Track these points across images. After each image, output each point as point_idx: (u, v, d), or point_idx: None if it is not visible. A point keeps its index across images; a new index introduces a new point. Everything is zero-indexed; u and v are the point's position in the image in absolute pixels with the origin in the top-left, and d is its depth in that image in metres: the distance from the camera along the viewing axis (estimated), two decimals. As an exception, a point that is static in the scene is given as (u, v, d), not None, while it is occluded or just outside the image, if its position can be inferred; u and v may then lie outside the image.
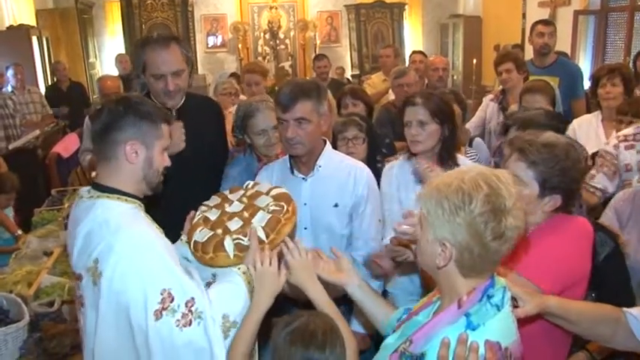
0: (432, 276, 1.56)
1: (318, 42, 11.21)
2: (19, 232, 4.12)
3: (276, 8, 11.11)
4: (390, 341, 1.63)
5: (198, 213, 2.10)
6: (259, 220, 1.94)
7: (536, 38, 4.82)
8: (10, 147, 5.92)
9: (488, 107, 4.62)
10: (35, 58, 8.25)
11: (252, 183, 2.23)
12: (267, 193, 2.11)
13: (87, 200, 1.81)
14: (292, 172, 2.60)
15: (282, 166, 2.65)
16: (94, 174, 4.47)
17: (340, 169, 2.58)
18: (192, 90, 3.06)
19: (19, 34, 8.02)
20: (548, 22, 5.02)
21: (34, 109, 7.15)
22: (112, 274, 1.67)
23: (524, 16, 8.87)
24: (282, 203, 2.02)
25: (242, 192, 2.15)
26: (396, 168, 2.82)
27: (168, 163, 1.92)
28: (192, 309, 1.70)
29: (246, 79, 4.85)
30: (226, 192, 2.18)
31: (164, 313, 1.66)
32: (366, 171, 2.61)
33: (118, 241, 1.70)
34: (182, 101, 2.82)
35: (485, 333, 1.39)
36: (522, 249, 1.88)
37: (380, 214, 2.65)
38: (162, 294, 1.67)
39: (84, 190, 1.87)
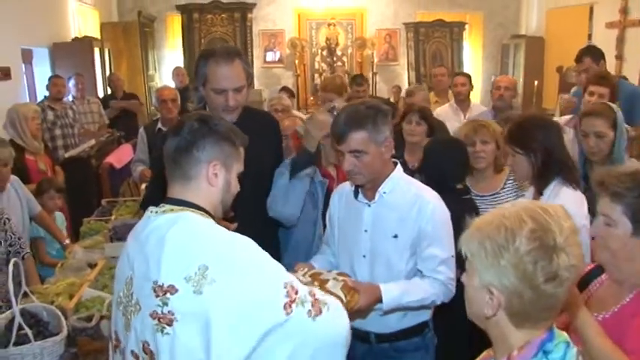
0: (483, 328, 1.38)
1: (375, 60, 11.09)
2: (67, 241, 4.14)
3: (335, 25, 11.06)
4: None
5: None
6: (332, 286, 2.07)
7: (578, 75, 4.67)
8: (66, 155, 6.02)
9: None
10: (96, 69, 8.44)
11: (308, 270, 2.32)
12: (329, 272, 2.26)
13: (164, 214, 1.72)
14: (356, 197, 2.47)
15: (350, 189, 2.52)
16: (143, 186, 4.54)
17: (406, 197, 2.38)
18: (248, 104, 3.01)
19: (82, 45, 8.21)
20: (581, 59, 4.75)
21: (92, 119, 7.30)
22: (229, 279, 1.59)
23: (589, 37, 8.56)
24: (343, 276, 2.20)
25: (303, 271, 2.26)
26: None
27: (238, 188, 1.88)
28: (317, 297, 1.69)
29: (321, 97, 4.98)
30: None
31: (293, 305, 1.63)
32: (432, 203, 2.37)
33: (226, 246, 1.66)
34: (238, 116, 2.74)
35: None
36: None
37: (452, 250, 2.38)
38: (285, 287, 1.65)
39: (153, 207, 1.77)
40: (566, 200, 2.56)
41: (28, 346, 2.36)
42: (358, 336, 2.46)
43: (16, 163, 4.54)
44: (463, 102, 5.66)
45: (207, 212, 1.75)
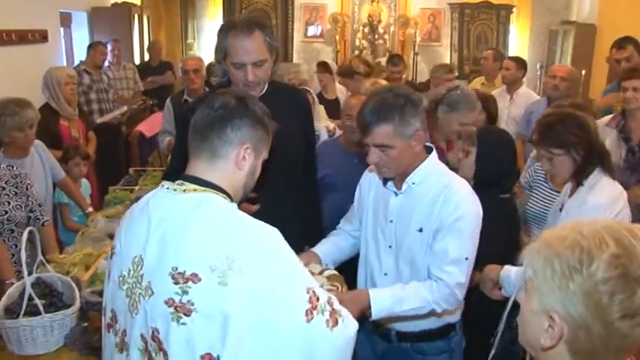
0: (535, 359, 1.19)
1: (417, 40, 10.78)
2: (90, 209, 4.09)
3: (378, 2, 10.78)
4: None
5: None
6: None
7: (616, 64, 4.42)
8: (98, 121, 6.00)
9: (603, 135, 3.66)
10: (134, 36, 8.40)
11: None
12: (321, 274, 2.13)
13: (184, 193, 1.61)
14: (385, 184, 2.32)
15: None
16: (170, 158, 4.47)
17: (435, 188, 2.20)
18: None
19: (121, 11, 8.16)
20: (623, 45, 4.57)
21: (127, 85, 7.29)
22: (256, 272, 1.50)
23: (645, 28, 8.15)
24: (336, 284, 2.10)
25: None
26: None
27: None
28: (335, 307, 1.60)
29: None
30: None
31: (314, 312, 1.55)
32: (460, 194, 2.17)
33: (254, 238, 1.57)
34: (263, 92, 2.56)
35: None
36: None
37: (468, 252, 2.17)
38: (308, 292, 1.56)
39: (169, 183, 1.66)
40: (604, 189, 2.45)
41: (38, 318, 2.31)
42: (379, 333, 2.39)
43: (51, 128, 4.55)
44: (510, 86, 5.63)
45: (229, 196, 1.66)
